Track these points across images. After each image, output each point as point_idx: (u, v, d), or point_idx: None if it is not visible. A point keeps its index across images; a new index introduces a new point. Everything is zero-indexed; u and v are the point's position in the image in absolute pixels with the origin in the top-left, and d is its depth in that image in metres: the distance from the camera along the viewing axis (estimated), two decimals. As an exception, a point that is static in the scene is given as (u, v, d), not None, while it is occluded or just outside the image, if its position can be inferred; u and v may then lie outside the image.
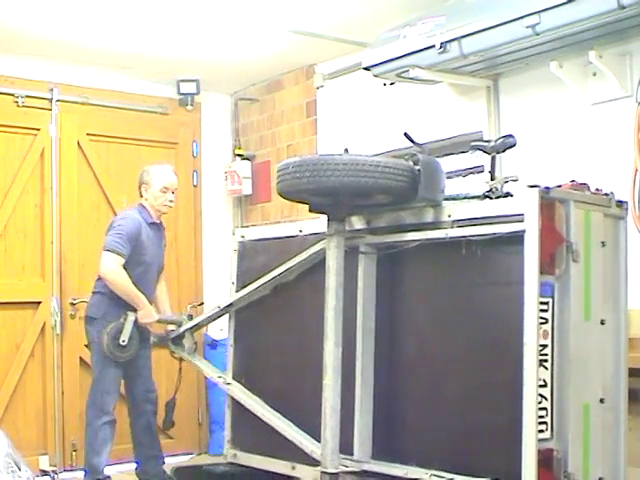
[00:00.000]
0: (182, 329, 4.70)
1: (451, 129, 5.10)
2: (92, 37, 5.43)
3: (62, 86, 6.00)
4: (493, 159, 3.96)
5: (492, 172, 3.95)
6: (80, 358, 5.94)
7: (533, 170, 4.44)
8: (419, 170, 3.46)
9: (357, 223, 3.82)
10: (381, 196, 3.55)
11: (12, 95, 5.81)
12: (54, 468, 5.71)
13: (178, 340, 4.75)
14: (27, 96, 5.85)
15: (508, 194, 3.81)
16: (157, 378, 6.28)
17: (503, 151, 3.96)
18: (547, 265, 3.09)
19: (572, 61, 4.25)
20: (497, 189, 3.81)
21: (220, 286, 6.59)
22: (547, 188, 3.13)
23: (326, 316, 3.54)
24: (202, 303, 5.43)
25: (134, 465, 5.37)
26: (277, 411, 4.08)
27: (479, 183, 4.33)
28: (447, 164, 4.68)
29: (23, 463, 3.18)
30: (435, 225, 3.52)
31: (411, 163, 3.49)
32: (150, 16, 5.07)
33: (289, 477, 4.05)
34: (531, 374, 3.03)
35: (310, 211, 3.75)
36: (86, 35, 5.39)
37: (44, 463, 5.70)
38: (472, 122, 4.96)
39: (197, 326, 4.71)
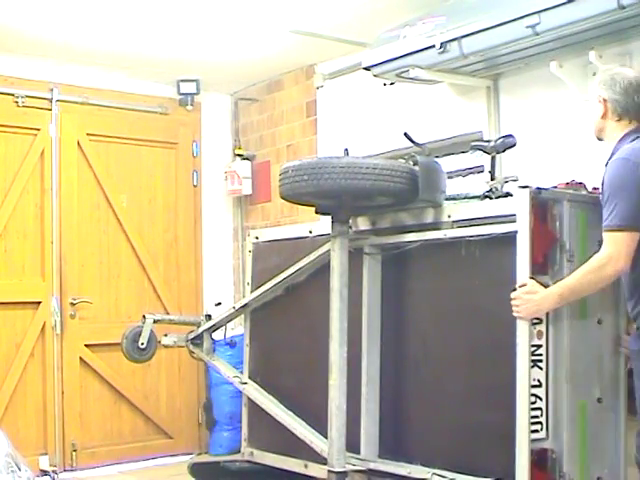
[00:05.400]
0: (200, 330, 4.71)
1: (451, 129, 5.10)
2: (92, 37, 5.43)
3: (62, 86, 6.00)
4: (493, 159, 3.96)
5: (492, 172, 3.96)
6: (80, 358, 5.95)
7: (533, 170, 4.44)
8: (418, 172, 3.47)
9: (362, 224, 3.86)
10: (381, 198, 3.57)
11: (12, 95, 5.81)
12: (54, 468, 5.71)
13: (198, 341, 4.75)
14: (27, 96, 5.85)
15: (508, 194, 3.82)
16: (157, 378, 6.32)
17: (503, 151, 3.97)
18: (541, 265, 3.10)
19: (572, 61, 4.25)
20: (497, 189, 3.82)
21: (220, 286, 6.61)
22: (539, 188, 3.13)
23: (331, 316, 3.58)
24: (220, 303, 5.47)
25: (134, 465, 5.38)
26: (291, 410, 4.13)
27: (479, 183, 4.33)
28: (447, 164, 4.68)
29: (23, 463, 3.18)
30: (435, 226, 3.54)
31: (410, 164, 3.50)
32: (150, 16, 5.07)
33: (303, 475, 4.10)
34: (523, 374, 3.05)
35: (316, 213, 3.80)
36: (86, 35, 5.39)
37: (44, 463, 5.70)
38: (472, 122, 4.96)
39: (214, 327, 4.72)
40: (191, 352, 4.79)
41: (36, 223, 5.89)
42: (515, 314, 3.06)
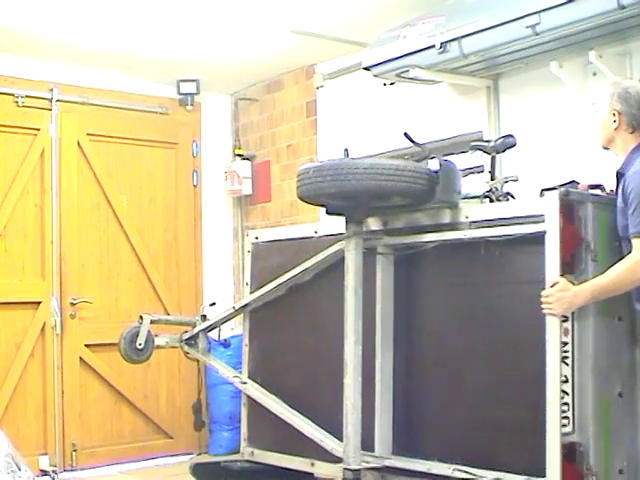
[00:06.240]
0: (196, 330, 4.70)
1: (451, 129, 5.10)
2: (92, 37, 5.43)
3: (62, 86, 6.00)
4: (493, 159, 3.98)
5: (492, 172, 3.97)
6: (80, 358, 5.96)
7: (533, 170, 4.44)
8: (438, 172, 3.51)
9: (373, 224, 3.88)
10: (399, 198, 3.61)
11: (12, 95, 5.81)
12: (54, 468, 5.71)
13: (192, 341, 4.75)
14: (27, 96, 5.85)
15: (508, 194, 3.83)
16: (157, 378, 6.32)
17: (503, 151, 3.98)
18: (567, 264, 3.18)
19: (572, 61, 4.25)
20: (497, 189, 3.83)
21: (220, 286, 6.61)
22: (567, 191, 3.22)
23: (346, 315, 3.62)
24: (214, 303, 5.50)
25: (134, 465, 5.37)
26: (294, 409, 4.14)
27: (479, 183, 4.34)
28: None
29: (23, 463, 3.18)
30: (453, 226, 3.59)
31: (429, 166, 3.55)
32: (150, 16, 5.07)
33: (303, 473, 4.11)
34: (554, 370, 3.13)
35: (327, 214, 3.81)
36: (86, 35, 5.39)
37: (44, 463, 5.70)
38: (472, 122, 4.96)
39: (211, 327, 4.72)
40: (186, 352, 4.79)
41: (36, 223, 5.89)
42: (547, 311, 3.15)
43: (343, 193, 3.50)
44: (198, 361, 4.91)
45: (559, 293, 3.11)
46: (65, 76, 6.01)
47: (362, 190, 3.44)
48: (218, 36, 5.46)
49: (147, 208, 6.39)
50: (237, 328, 5.36)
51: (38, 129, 5.91)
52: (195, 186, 6.64)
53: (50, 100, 5.95)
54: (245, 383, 4.44)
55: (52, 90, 5.95)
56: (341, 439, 3.71)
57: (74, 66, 5.97)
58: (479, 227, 3.48)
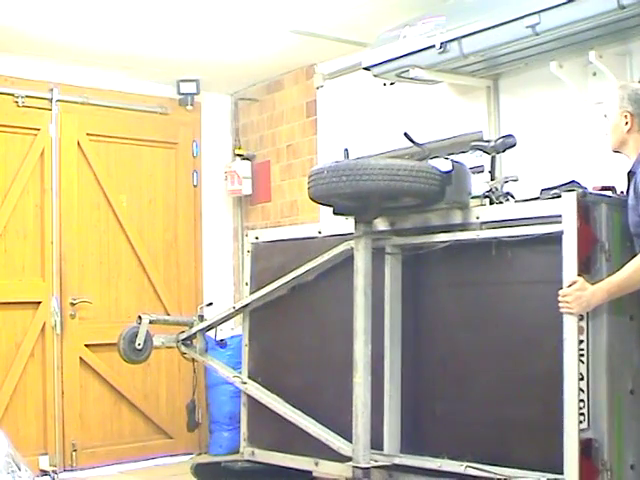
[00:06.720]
0: (194, 330, 4.70)
1: (451, 129, 5.10)
2: (92, 37, 5.43)
3: (62, 86, 6.00)
4: (493, 159, 3.98)
5: (492, 172, 3.98)
6: (80, 358, 5.96)
7: (533, 170, 4.44)
8: (450, 173, 3.55)
9: (381, 224, 3.90)
10: (410, 199, 3.64)
11: (12, 95, 5.81)
12: (54, 468, 5.71)
13: (188, 341, 4.75)
14: (27, 96, 5.85)
15: (508, 194, 3.83)
16: (157, 378, 6.32)
17: (503, 151, 3.98)
18: (583, 264, 3.23)
19: (572, 61, 4.25)
20: (497, 189, 3.84)
21: (220, 286, 6.61)
22: (584, 192, 3.27)
23: (355, 315, 3.64)
24: (211, 303, 5.50)
25: (134, 465, 5.37)
26: (297, 409, 4.15)
27: (479, 183, 4.34)
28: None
29: (23, 463, 3.19)
30: (463, 227, 3.61)
31: (440, 167, 3.58)
32: (150, 16, 5.07)
33: (304, 472, 4.13)
34: (572, 368, 3.18)
35: (334, 214, 3.83)
36: (86, 35, 5.39)
37: (44, 463, 5.70)
38: (472, 122, 4.96)
39: (210, 327, 4.72)
40: (183, 353, 4.79)
41: (36, 223, 5.89)
42: (565, 310, 3.20)
43: (358, 193, 3.53)
44: (194, 361, 4.91)
45: (577, 292, 3.16)
46: (65, 76, 6.01)
47: (377, 190, 3.48)
48: (218, 36, 5.46)
49: (147, 208, 6.39)
50: (237, 328, 5.35)
51: (38, 129, 5.91)
52: (195, 186, 6.64)
53: (50, 100, 5.94)
54: (245, 383, 4.44)
55: (52, 90, 5.95)
56: (344, 438, 3.74)
57: (74, 66, 5.97)
58: (490, 227, 3.51)
